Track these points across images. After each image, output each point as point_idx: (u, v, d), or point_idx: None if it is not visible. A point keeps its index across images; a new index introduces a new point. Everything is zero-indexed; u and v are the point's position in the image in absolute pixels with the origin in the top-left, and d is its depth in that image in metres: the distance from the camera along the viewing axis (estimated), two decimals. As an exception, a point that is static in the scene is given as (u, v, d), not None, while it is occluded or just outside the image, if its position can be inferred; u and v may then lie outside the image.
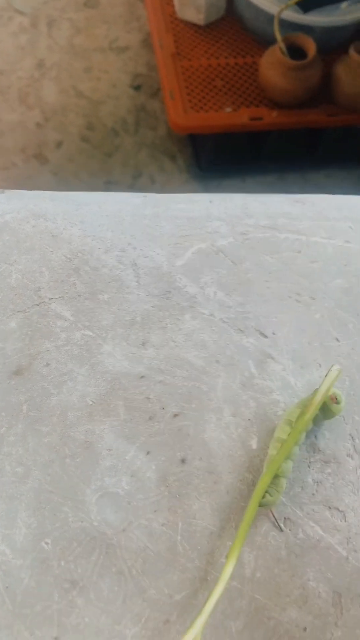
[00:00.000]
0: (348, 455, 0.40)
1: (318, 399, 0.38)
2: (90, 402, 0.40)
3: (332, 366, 0.39)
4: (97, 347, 0.41)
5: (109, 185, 1.36)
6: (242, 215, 0.47)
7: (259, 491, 0.36)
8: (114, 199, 0.47)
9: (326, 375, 0.38)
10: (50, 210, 0.46)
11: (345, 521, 0.38)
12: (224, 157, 1.40)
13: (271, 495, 0.36)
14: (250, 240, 0.46)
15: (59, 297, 0.43)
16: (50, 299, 0.43)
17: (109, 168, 1.38)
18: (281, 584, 0.36)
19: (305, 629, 0.35)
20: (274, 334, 0.43)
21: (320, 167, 1.42)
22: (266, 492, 0.36)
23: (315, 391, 0.38)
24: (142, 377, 0.41)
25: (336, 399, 0.39)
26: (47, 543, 0.36)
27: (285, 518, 0.38)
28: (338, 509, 0.38)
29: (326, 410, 0.39)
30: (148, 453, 0.39)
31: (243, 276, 0.45)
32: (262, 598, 0.35)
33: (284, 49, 1.23)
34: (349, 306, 0.45)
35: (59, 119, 1.41)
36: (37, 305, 0.42)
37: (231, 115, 1.31)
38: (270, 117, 1.31)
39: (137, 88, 1.48)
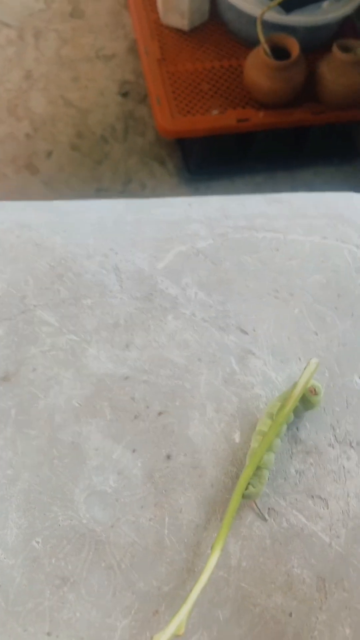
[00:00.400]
0: (329, 445, 0.41)
1: (297, 391, 0.39)
2: (77, 405, 0.41)
3: (310, 359, 0.40)
4: (82, 350, 0.43)
5: (100, 192, 1.37)
6: (220, 217, 0.49)
7: (242, 483, 0.37)
8: (96, 206, 0.49)
9: (305, 368, 0.39)
10: (33, 219, 0.48)
11: (327, 509, 0.39)
12: (212, 159, 1.41)
13: (254, 487, 0.37)
14: (229, 241, 0.48)
15: (44, 304, 0.44)
16: (35, 306, 0.44)
17: (99, 175, 1.40)
18: (266, 571, 0.37)
19: (290, 614, 0.36)
20: (254, 330, 0.44)
21: (309, 165, 1.43)
22: (249, 484, 0.38)
23: (295, 384, 0.39)
24: (126, 378, 0.42)
25: (315, 390, 0.40)
26: (37, 542, 0.37)
27: (269, 508, 0.39)
28: (320, 498, 0.39)
29: (306, 402, 0.40)
30: (134, 451, 0.40)
31: (223, 276, 0.46)
32: (248, 586, 0.37)
33: (268, 50, 1.24)
34: (327, 301, 0.46)
35: (48, 129, 1.43)
36: (23, 312, 0.44)
37: (218, 118, 1.32)
38: (257, 118, 1.32)
39: (124, 95, 1.49)
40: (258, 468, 0.38)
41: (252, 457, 0.38)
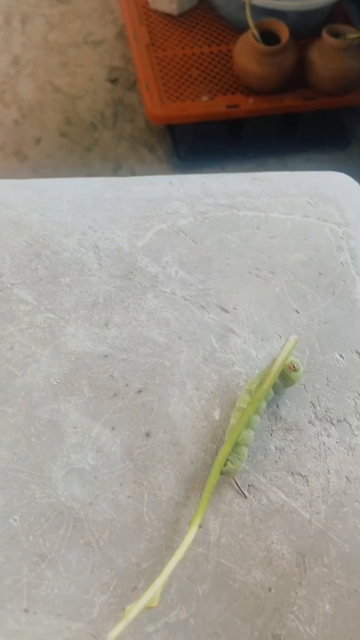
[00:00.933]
0: (309, 422, 0.41)
1: (276, 367, 0.39)
2: (55, 383, 0.41)
3: (289, 336, 0.40)
4: (60, 329, 0.42)
5: (90, 179, 1.36)
6: (201, 195, 0.48)
7: (220, 460, 0.37)
8: (75, 184, 0.48)
9: (284, 345, 0.39)
10: (11, 198, 0.47)
11: (307, 485, 0.39)
12: (202, 146, 1.40)
13: (232, 464, 0.37)
14: (210, 219, 0.47)
15: (21, 282, 0.43)
16: (12, 284, 0.43)
17: (88, 162, 1.39)
18: (246, 547, 0.37)
19: (270, 590, 0.36)
20: (234, 308, 0.44)
21: (300, 152, 1.42)
22: (227, 460, 0.37)
23: (274, 360, 0.39)
24: (105, 356, 0.42)
25: (294, 367, 0.39)
26: (15, 520, 0.37)
27: (249, 485, 0.39)
28: (300, 474, 0.39)
29: (286, 378, 0.40)
30: (113, 429, 0.40)
31: (203, 254, 0.46)
32: (227, 562, 0.36)
33: (257, 35, 1.23)
34: (308, 278, 0.45)
35: (37, 115, 1.41)
36: (0, 290, 0.43)
37: (208, 104, 1.31)
38: (247, 104, 1.31)
39: (113, 81, 1.48)
40: (237, 445, 0.38)
41: (231, 433, 0.38)
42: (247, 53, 1.26)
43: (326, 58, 1.25)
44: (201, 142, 1.40)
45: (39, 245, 0.45)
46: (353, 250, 0.46)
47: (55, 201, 0.47)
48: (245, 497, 0.38)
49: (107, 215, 0.46)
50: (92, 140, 1.41)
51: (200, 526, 0.36)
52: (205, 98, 1.32)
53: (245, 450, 0.38)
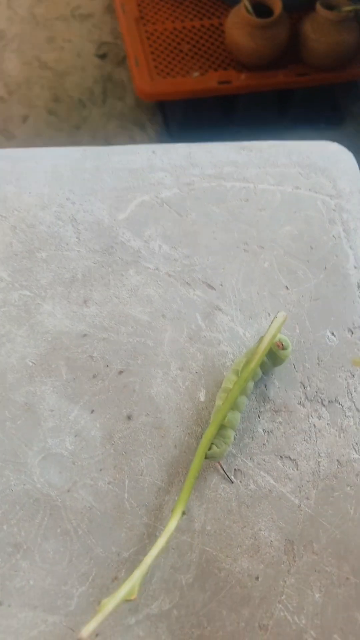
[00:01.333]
0: (299, 403, 0.39)
1: (263, 346, 0.36)
2: (30, 364, 0.38)
3: (277, 312, 0.38)
4: (36, 307, 0.40)
5: (78, 158, 1.33)
6: (186, 165, 0.46)
7: (204, 443, 0.35)
8: (52, 154, 0.45)
9: (272, 322, 0.37)
10: (-16, 169, 0.44)
11: (297, 470, 0.37)
12: (194, 123, 1.37)
13: (218, 447, 0.35)
14: (196, 190, 0.45)
15: (-5, 257, 0.41)
16: (-15, 259, 0.41)
17: (77, 141, 1.35)
18: (232, 535, 0.35)
19: (257, 578, 0.34)
20: (221, 285, 0.42)
21: (293, 129, 1.39)
22: (212, 443, 0.35)
23: (261, 338, 0.37)
24: (84, 335, 0.39)
25: (282, 345, 0.37)
26: (-12, 507, 0.35)
27: (235, 469, 0.37)
28: (290, 458, 0.37)
29: (274, 357, 0.38)
30: (92, 412, 0.37)
31: (189, 228, 0.43)
32: (212, 550, 0.35)
33: (249, 7, 1.19)
34: (299, 253, 0.43)
35: (24, 93, 1.37)
36: (-27, 266, 0.41)
37: (199, 80, 1.27)
38: (239, 80, 1.27)
39: (102, 57, 1.43)
40: (222, 427, 0.36)
41: (216, 415, 0.36)
42: (239, 26, 1.22)
43: (320, 32, 1.22)
44: (192, 120, 1.36)
45: (13, 218, 0.42)
46: (346, 223, 0.44)
47: (31, 172, 0.44)
48: (232, 482, 0.36)
49: (87, 186, 0.44)
50: (80, 118, 1.37)
51: (184, 513, 0.34)
52: (196, 74, 1.28)
53: (231, 433, 0.36)
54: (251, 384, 0.37)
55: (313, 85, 1.31)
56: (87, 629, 0.27)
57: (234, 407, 0.36)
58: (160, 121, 1.38)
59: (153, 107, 1.39)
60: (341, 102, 1.41)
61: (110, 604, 0.28)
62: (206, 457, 0.35)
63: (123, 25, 1.31)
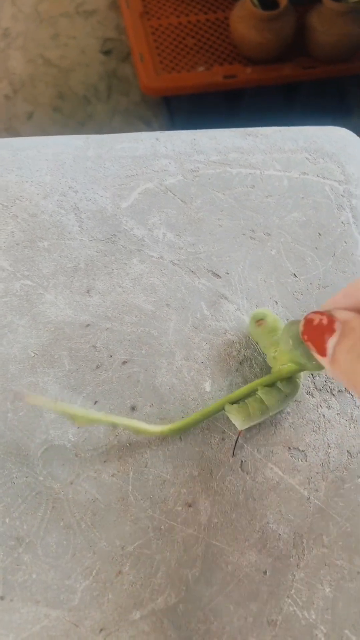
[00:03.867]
0: (308, 393, 0.38)
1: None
2: (33, 354, 0.37)
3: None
4: (38, 296, 0.39)
5: (83, 154, 1.32)
6: (191, 151, 0.45)
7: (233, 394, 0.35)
8: (54, 142, 0.45)
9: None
10: (-15, 158, 0.44)
11: (306, 461, 0.36)
12: (199, 118, 1.36)
13: (240, 406, 0.34)
14: (201, 177, 0.44)
15: (-4, 246, 0.40)
16: (-14, 249, 0.40)
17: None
18: (239, 528, 0.34)
19: (265, 572, 0.33)
20: (227, 273, 0.41)
21: (300, 123, 1.37)
22: (242, 401, 0.35)
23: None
24: (87, 325, 0.39)
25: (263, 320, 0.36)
26: (-10, 500, 0.34)
27: (242, 461, 0.36)
28: (298, 449, 0.36)
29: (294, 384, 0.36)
30: (96, 402, 0.37)
31: (194, 215, 0.42)
32: (219, 544, 0.34)
33: (255, 0, 1.18)
34: (307, 240, 0.42)
35: (28, 90, 1.37)
36: (-27, 256, 0.40)
37: (204, 75, 1.26)
38: (245, 74, 1.26)
39: (107, 53, 1.43)
40: (258, 399, 0.34)
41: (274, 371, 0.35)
42: (244, 19, 1.21)
43: (327, 23, 1.20)
44: (198, 114, 1.35)
45: (15, 207, 0.41)
46: (355, 209, 0.43)
47: (33, 160, 0.43)
48: (233, 456, 0.35)
49: (89, 174, 0.43)
50: (85, 114, 1.36)
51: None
52: (201, 68, 1.27)
53: (259, 406, 0.34)
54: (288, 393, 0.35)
55: (320, 78, 1.29)
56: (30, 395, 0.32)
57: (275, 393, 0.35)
58: (165, 116, 1.37)
59: (158, 102, 1.38)
60: (348, 94, 1.39)
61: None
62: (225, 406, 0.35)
63: (127, 21, 1.30)
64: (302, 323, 0.28)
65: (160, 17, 1.31)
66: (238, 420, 0.34)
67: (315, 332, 0.27)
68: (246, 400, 0.35)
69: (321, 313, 0.27)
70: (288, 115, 1.38)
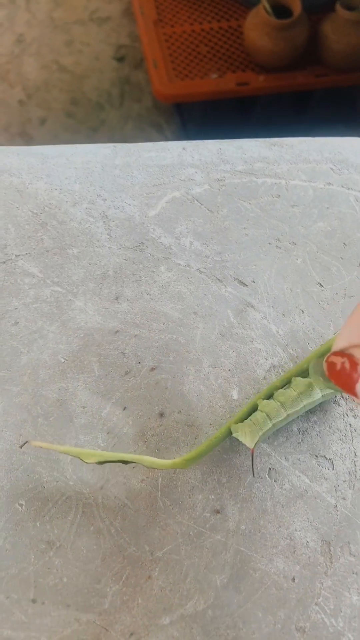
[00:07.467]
0: (334, 402, 0.38)
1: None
2: (63, 360, 0.38)
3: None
4: (67, 303, 0.39)
5: (96, 160, 1.33)
6: (217, 161, 0.45)
7: (237, 416, 0.35)
8: (82, 150, 0.45)
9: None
10: (14, 165, 0.44)
11: (333, 469, 0.36)
12: (211, 125, 1.37)
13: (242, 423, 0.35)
14: (227, 186, 0.44)
15: (26, 253, 0.41)
16: (17, 255, 0.41)
17: (95, 143, 1.35)
18: (267, 535, 0.34)
19: (293, 580, 0.34)
20: (253, 282, 0.41)
21: (311, 131, 1.38)
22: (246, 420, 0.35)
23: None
24: (116, 332, 0.39)
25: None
26: (21, 505, 0.34)
27: (270, 469, 0.36)
28: (325, 457, 0.37)
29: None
30: (125, 409, 0.37)
31: (220, 224, 0.43)
32: (247, 550, 0.34)
33: (269, 8, 1.19)
34: (332, 249, 0.42)
35: (42, 95, 1.38)
36: (4, 262, 0.40)
37: (217, 82, 1.27)
38: (257, 82, 1.27)
39: (120, 60, 1.44)
40: (260, 412, 0.35)
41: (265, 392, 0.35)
42: (258, 27, 1.22)
43: (340, 32, 1.21)
44: (210, 122, 1.36)
45: (44, 214, 0.42)
46: (380, 220, 0.43)
47: (62, 168, 0.44)
48: (253, 476, 0.36)
49: (117, 182, 0.43)
50: (98, 120, 1.37)
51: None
52: (214, 76, 1.28)
53: (264, 419, 0.35)
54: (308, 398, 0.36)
55: (332, 87, 1.30)
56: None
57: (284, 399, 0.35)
58: (177, 123, 1.38)
59: (170, 108, 1.39)
60: (360, 103, 1.40)
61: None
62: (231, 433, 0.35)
63: (141, 28, 1.31)
64: (325, 367, 0.28)
65: (174, 25, 1.33)
66: (247, 439, 0.35)
67: (340, 377, 0.27)
68: (250, 418, 0.35)
69: (341, 354, 0.27)
70: (300, 122, 1.38)
